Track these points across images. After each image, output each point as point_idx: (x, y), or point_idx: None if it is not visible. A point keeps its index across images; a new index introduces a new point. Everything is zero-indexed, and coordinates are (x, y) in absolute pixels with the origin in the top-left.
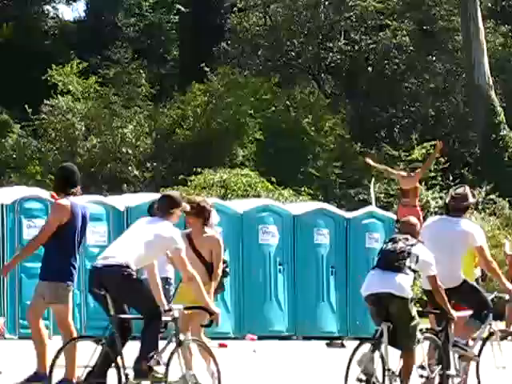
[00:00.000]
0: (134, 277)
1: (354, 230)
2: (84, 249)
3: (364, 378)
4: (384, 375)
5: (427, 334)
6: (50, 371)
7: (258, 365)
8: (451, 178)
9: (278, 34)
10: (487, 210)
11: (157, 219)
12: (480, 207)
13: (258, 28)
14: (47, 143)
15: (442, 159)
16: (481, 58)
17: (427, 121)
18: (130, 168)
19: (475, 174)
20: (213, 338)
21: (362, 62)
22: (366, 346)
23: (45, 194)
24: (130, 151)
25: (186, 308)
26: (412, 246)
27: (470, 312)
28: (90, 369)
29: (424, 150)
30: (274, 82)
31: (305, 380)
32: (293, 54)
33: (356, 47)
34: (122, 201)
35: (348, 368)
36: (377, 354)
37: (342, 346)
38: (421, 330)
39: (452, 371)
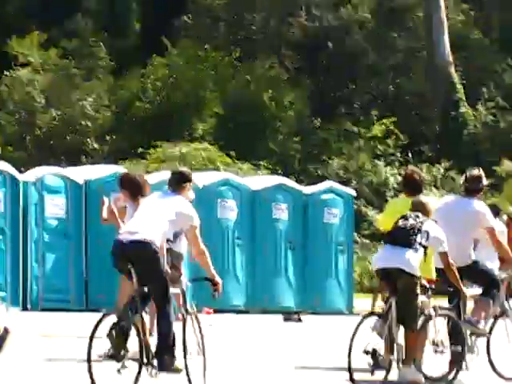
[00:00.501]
0: (158, 255)
1: (313, 206)
2: (42, 221)
3: (371, 350)
4: (392, 349)
5: (442, 311)
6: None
7: (213, 338)
8: (410, 154)
9: (239, 8)
10: (446, 187)
11: (171, 194)
12: (439, 184)
13: (218, 2)
14: (6, 115)
15: (402, 136)
16: (441, 35)
17: (387, 97)
18: (89, 140)
19: (434, 150)
20: None
21: (322, 37)
22: (371, 320)
23: (2, 165)
24: (89, 124)
25: (192, 280)
26: (422, 222)
27: (480, 290)
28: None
29: (384, 127)
30: (235, 56)
31: (261, 354)
32: (254, 28)
33: (317, 23)
34: (81, 173)
35: (352, 341)
36: (385, 328)
37: (299, 320)
38: (434, 308)
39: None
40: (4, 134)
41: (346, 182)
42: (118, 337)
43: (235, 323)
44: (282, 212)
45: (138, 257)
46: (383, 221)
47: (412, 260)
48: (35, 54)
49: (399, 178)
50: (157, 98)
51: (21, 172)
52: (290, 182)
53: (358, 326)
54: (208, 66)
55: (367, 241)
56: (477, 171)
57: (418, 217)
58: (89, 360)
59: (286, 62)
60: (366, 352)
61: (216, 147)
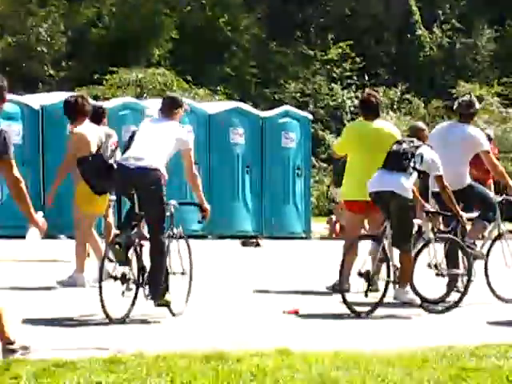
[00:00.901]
0: (162, 182)
1: (270, 130)
2: None
3: (364, 272)
4: (389, 271)
5: (442, 235)
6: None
7: (171, 263)
8: (367, 77)
9: None
10: (403, 110)
11: (165, 119)
12: (396, 107)
13: None
14: None
15: (358, 59)
16: None
17: (343, 21)
18: (45, 67)
19: (391, 73)
20: None
21: None
22: (366, 242)
23: None
24: (45, 50)
25: (180, 204)
26: (417, 147)
27: (476, 213)
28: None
29: (340, 50)
30: None
31: (220, 278)
32: None
33: None
34: (37, 100)
35: (343, 262)
36: (380, 250)
37: (257, 245)
38: (433, 230)
39: (461, 270)
40: None
41: (302, 106)
42: (121, 250)
43: (193, 249)
44: (238, 136)
45: (143, 183)
46: (340, 146)
47: (405, 183)
48: None
49: (356, 102)
50: (112, 23)
51: None
52: (247, 106)
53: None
54: None
55: (325, 164)
56: (468, 97)
57: (412, 142)
58: (100, 280)
59: None
60: (361, 274)
61: (173, 72)
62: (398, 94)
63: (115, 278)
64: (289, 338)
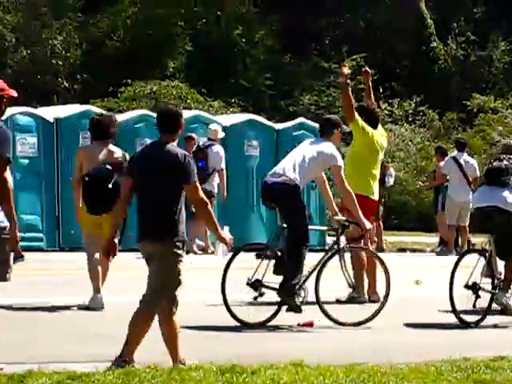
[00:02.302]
0: (299, 193)
1: (284, 142)
2: (14, 160)
3: (471, 284)
4: (494, 283)
5: None
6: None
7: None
8: (381, 90)
9: None
10: (417, 122)
11: (319, 140)
12: (410, 119)
13: None
14: None
15: (372, 71)
16: None
17: (357, 33)
18: (59, 79)
19: (405, 86)
20: None
21: None
22: (472, 256)
23: None
24: (60, 62)
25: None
26: None
27: None
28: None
29: (354, 63)
30: None
31: (235, 289)
32: None
33: None
34: (52, 112)
35: (452, 276)
36: (482, 263)
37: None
38: None
39: None
40: None
41: (316, 118)
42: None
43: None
44: (253, 148)
45: (278, 195)
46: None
47: (508, 198)
48: None
49: None
50: (127, 36)
51: None
52: (261, 118)
53: (458, 262)
54: (178, 3)
55: None
56: None
57: (510, 158)
58: (223, 291)
59: None
60: (468, 286)
61: (187, 85)
62: (413, 106)
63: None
64: (304, 351)
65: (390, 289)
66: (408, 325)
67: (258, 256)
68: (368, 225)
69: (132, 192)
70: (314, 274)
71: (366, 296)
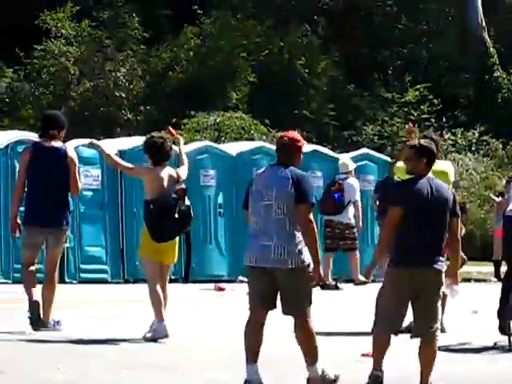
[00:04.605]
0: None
1: None
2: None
3: None
4: None
5: None
6: None
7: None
8: (444, 119)
9: None
10: (481, 152)
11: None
12: (474, 148)
13: None
14: (40, 87)
15: (435, 101)
16: None
17: (420, 63)
18: (123, 111)
19: (469, 115)
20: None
21: (354, 3)
22: None
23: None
24: (123, 94)
25: None
26: None
27: None
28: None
29: (417, 92)
30: (267, 25)
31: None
32: None
33: None
34: (116, 144)
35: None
36: None
37: (337, 288)
38: None
39: None
40: (38, 107)
41: (380, 149)
42: None
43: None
44: (316, 179)
45: None
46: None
47: None
48: (67, 26)
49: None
50: (190, 67)
51: None
52: (324, 149)
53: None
54: (240, 35)
55: None
56: None
57: None
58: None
59: (318, 29)
60: None
61: (250, 116)
62: (476, 135)
63: None
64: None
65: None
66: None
67: None
68: None
69: None
70: None
71: None
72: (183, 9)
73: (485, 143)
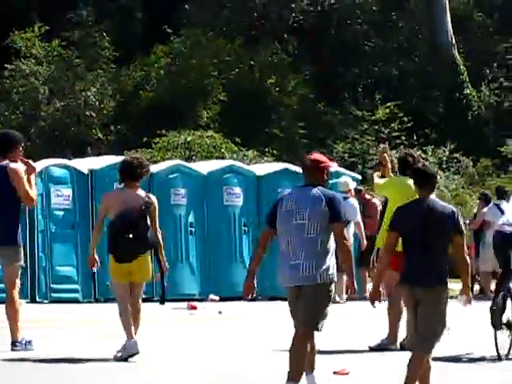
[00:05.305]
0: None
1: None
2: (49, 212)
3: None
4: None
5: None
6: None
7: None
8: (415, 137)
9: None
10: (451, 169)
11: None
12: (444, 166)
13: None
14: (10, 107)
15: (406, 118)
16: (443, 16)
17: (390, 80)
18: (93, 131)
19: (439, 133)
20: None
21: (324, 21)
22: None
23: None
24: (93, 114)
25: None
26: None
27: None
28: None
29: (387, 110)
30: (238, 43)
31: (268, 338)
32: (255, 14)
33: (319, 7)
34: (86, 164)
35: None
36: None
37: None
38: None
39: None
40: (8, 127)
41: (351, 167)
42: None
43: (242, 310)
44: None
45: None
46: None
47: None
48: (37, 46)
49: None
50: (160, 86)
51: None
52: (295, 168)
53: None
54: (211, 54)
55: None
56: None
57: None
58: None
59: (289, 47)
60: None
61: (221, 134)
62: (447, 153)
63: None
64: None
65: None
66: None
67: None
68: None
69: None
70: None
71: None
72: (154, 28)
73: (455, 161)
